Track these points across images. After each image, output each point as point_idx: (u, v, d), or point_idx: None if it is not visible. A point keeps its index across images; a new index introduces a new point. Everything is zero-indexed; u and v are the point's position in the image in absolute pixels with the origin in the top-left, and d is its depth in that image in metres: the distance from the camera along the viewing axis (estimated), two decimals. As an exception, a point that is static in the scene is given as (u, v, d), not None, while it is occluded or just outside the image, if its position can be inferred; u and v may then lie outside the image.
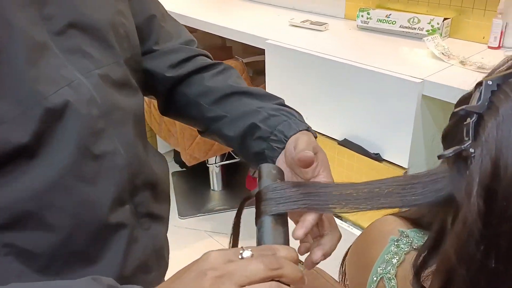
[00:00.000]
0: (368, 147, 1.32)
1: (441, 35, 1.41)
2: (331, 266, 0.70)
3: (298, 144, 0.59)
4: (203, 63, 0.77)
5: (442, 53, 1.31)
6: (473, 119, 0.36)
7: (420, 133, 1.23)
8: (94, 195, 0.58)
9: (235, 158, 2.22)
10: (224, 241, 1.97)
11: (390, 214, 0.60)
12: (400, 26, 1.50)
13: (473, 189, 0.34)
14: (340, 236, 0.56)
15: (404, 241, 0.54)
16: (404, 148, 1.24)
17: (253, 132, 0.68)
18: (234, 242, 0.56)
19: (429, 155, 1.29)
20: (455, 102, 0.42)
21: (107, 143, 0.59)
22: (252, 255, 0.43)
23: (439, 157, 0.39)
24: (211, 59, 0.81)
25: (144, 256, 0.65)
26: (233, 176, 2.33)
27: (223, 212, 2.19)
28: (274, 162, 0.65)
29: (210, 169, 2.28)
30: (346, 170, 1.39)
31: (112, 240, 0.60)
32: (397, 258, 0.53)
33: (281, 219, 0.50)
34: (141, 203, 0.66)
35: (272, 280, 0.41)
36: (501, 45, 1.37)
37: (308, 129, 0.65)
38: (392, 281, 0.53)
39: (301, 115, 0.70)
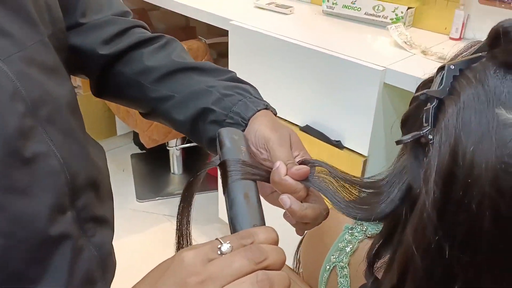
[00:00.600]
0: (330, 134, 1.32)
1: (404, 24, 1.42)
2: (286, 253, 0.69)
3: (270, 143, 0.52)
4: (141, 37, 0.67)
5: (405, 42, 1.31)
6: (433, 104, 0.35)
7: (380, 121, 1.23)
8: (29, 207, 0.49)
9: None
10: (182, 226, 1.94)
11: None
12: (365, 13, 1.49)
13: (430, 177, 0.32)
14: (326, 210, 0.51)
15: (358, 229, 0.53)
16: (365, 136, 1.24)
17: (205, 115, 0.61)
18: (184, 213, 0.51)
19: (389, 144, 1.30)
20: (402, 117, 0.41)
21: (39, 143, 0.50)
22: (231, 248, 0.39)
23: (398, 142, 0.37)
24: (149, 31, 0.71)
25: (90, 267, 0.57)
26: (193, 160, 2.30)
27: (182, 196, 2.15)
28: None
29: (170, 152, 2.23)
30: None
31: (54, 255, 0.52)
32: (350, 246, 0.52)
33: (252, 191, 0.47)
34: (84, 207, 0.57)
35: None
36: (462, 37, 1.39)
37: (267, 106, 0.60)
38: (345, 269, 0.52)
39: (256, 90, 0.64)
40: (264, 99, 0.62)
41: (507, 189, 0.30)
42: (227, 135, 0.50)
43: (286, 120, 1.42)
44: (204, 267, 0.37)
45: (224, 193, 0.47)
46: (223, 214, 1.82)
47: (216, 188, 1.95)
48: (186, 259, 0.37)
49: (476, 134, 0.32)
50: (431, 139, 0.34)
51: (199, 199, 2.14)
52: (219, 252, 0.38)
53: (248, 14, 1.58)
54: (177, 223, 0.51)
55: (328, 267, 0.53)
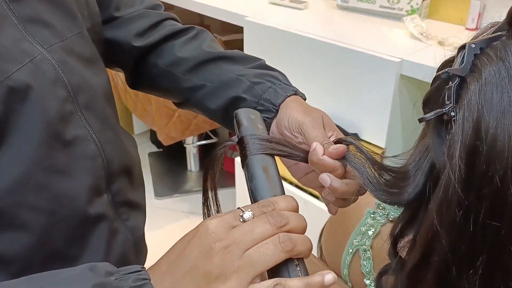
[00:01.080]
0: (347, 126, 1.32)
1: (420, 15, 1.41)
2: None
3: (307, 130, 0.53)
4: (173, 29, 0.70)
5: (421, 34, 1.30)
6: (455, 82, 0.36)
7: (398, 113, 1.23)
8: (70, 187, 0.52)
9: (212, 138, 2.20)
10: (201, 222, 1.96)
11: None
12: (379, 6, 1.49)
13: (455, 152, 0.33)
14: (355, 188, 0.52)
15: (381, 213, 0.53)
16: (382, 127, 1.24)
17: (237, 104, 0.62)
18: (208, 185, 0.53)
19: (406, 135, 1.30)
20: (423, 97, 0.41)
21: (78, 127, 0.53)
22: (253, 215, 0.40)
23: (420, 120, 0.38)
24: (179, 22, 0.74)
25: (124, 249, 0.60)
26: (210, 157, 2.31)
27: (200, 192, 2.17)
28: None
29: (187, 150, 2.25)
30: (323, 150, 1.39)
31: (92, 235, 0.55)
32: (373, 230, 0.53)
33: (271, 165, 0.47)
34: (118, 191, 0.60)
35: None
36: (478, 27, 1.38)
37: (296, 92, 0.61)
38: (368, 252, 0.52)
39: (285, 76, 0.66)
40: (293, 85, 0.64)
41: None
42: (244, 115, 0.51)
43: (302, 115, 1.42)
44: (228, 233, 0.38)
45: (243, 168, 0.48)
46: (241, 210, 1.83)
47: (234, 185, 1.96)
48: (210, 227, 0.39)
49: (498, 109, 0.32)
50: (453, 116, 0.35)
51: (218, 195, 2.16)
52: (241, 220, 0.40)
53: (263, 10, 1.59)
54: (203, 194, 0.53)
55: (351, 250, 0.54)
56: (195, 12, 1.77)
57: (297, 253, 0.39)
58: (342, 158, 0.50)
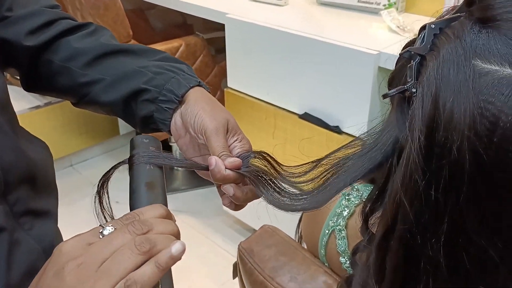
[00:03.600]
0: (328, 120, 1.34)
1: (397, 9, 1.44)
2: (289, 228, 0.72)
3: (208, 132, 0.53)
4: (69, 25, 0.66)
5: (398, 27, 1.33)
6: (416, 60, 0.37)
7: (377, 104, 1.26)
8: None
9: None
10: (189, 220, 1.97)
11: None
12: (358, 1, 1.51)
13: (415, 125, 0.35)
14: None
15: (355, 195, 0.55)
16: (362, 119, 1.26)
17: (138, 95, 0.60)
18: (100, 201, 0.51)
19: (386, 127, 1.32)
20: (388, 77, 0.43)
21: None
22: (114, 230, 0.38)
23: (384, 96, 0.39)
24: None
25: (30, 260, 0.57)
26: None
27: (187, 191, 2.18)
28: (165, 125, 0.59)
29: (173, 148, 2.26)
30: (307, 143, 1.41)
31: None
32: (347, 210, 0.55)
33: (157, 180, 0.47)
34: (17, 201, 0.57)
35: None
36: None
37: (200, 83, 0.60)
38: (343, 232, 0.54)
39: (191, 68, 0.63)
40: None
41: (484, 131, 0.33)
42: (138, 140, 0.51)
43: (285, 109, 1.44)
44: (84, 251, 0.37)
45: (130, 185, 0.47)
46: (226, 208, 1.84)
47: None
48: (63, 249, 0.37)
49: (455, 84, 0.34)
50: (414, 92, 0.37)
51: (204, 193, 2.17)
52: (100, 236, 0.38)
53: (244, 7, 1.60)
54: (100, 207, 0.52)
55: (327, 231, 0.56)
56: (178, 12, 1.78)
57: (157, 253, 0.38)
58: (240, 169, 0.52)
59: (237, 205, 0.55)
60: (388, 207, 0.37)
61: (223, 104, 1.67)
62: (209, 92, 0.60)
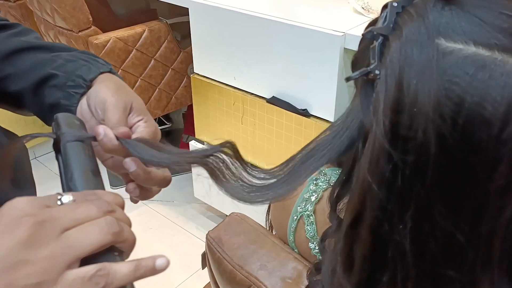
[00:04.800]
0: (296, 103, 1.33)
1: (362, -10, 1.43)
2: (258, 214, 0.71)
3: (107, 112, 0.50)
4: None
5: (363, 8, 1.33)
6: (378, 41, 0.36)
7: (344, 86, 1.25)
8: None
9: (166, 124, 2.17)
10: (161, 208, 1.94)
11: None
12: (323, -18, 1.50)
13: (379, 108, 0.34)
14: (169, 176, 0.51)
15: (322, 179, 0.54)
16: (330, 102, 1.26)
17: (47, 81, 0.57)
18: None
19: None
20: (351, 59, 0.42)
21: None
22: (74, 200, 0.36)
23: (347, 79, 0.38)
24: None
25: None
26: (169, 143, 2.28)
27: (156, 180, 2.15)
28: (72, 112, 0.55)
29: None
30: (275, 127, 1.40)
31: None
32: (315, 195, 0.54)
33: (93, 166, 0.44)
34: None
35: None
36: None
37: (111, 70, 0.58)
38: (311, 217, 0.53)
39: (108, 64, 0.61)
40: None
41: (449, 114, 0.32)
42: (65, 119, 0.47)
43: (252, 94, 1.43)
44: (43, 210, 0.34)
45: (60, 169, 0.44)
46: (198, 194, 1.82)
47: (190, 170, 1.95)
48: (18, 205, 0.33)
49: (418, 64, 0.33)
50: (378, 75, 0.36)
51: (175, 181, 2.13)
52: (59, 203, 0.36)
53: (207, -10, 1.57)
54: None
55: (295, 217, 0.55)
56: (139, -5, 1.73)
57: (123, 239, 0.36)
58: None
59: (142, 190, 0.51)
60: (355, 193, 0.37)
61: (191, 90, 1.64)
62: (122, 80, 0.58)
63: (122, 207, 0.39)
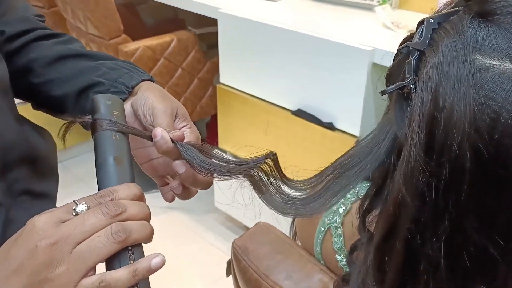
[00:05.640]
0: (321, 116, 1.34)
1: (391, 5, 1.43)
2: (282, 224, 0.71)
3: (157, 116, 0.53)
4: (43, 33, 0.68)
5: (392, 23, 1.33)
6: (414, 56, 0.37)
7: (371, 101, 1.25)
8: None
9: (190, 133, 2.19)
10: (180, 217, 1.96)
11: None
12: (351, -3, 1.51)
13: (415, 122, 0.34)
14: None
15: (351, 192, 0.55)
16: (356, 116, 1.26)
17: (90, 87, 0.61)
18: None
19: (379, 123, 1.32)
20: (386, 72, 0.42)
21: None
22: (87, 207, 0.39)
23: (382, 92, 0.39)
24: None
25: None
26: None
27: (178, 188, 2.16)
28: None
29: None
30: (300, 140, 1.40)
31: None
32: (343, 207, 0.54)
33: (124, 154, 0.45)
34: (16, 180, 0.58)
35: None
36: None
37: (151, 78, 0.61)
38: (339, 229, 0.53)
39: (145, 71, 0.64)
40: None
41: (485, 128, 0.32)
42: (101, 100, 0.49)
43: (278, 106, 1.43)
44: (56, 229, 0.37)
45: (95, 156, 0.46)
46: (219, 204, 1.83)
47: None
48: (37, 224, 0.37)
49: (455, 79, 0.34)
50: (413, 89, 0.36)
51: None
52: (73, 214, 0.38)
53: (237, 2, 1.59)
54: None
55: (322, 229, 0.55)
56: (169, 6, 1.76)
57: (132, 242, 0.38)
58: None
59: (184, 189, 0.53)
60: (389, 206, 0.37)
61: (215, 100, 1.65)
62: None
63: (139, 198, 0.41)
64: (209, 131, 2.20)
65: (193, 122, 0.59)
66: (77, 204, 0.39)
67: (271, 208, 0.40)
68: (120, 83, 0.59)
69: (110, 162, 0.43)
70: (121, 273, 0.38)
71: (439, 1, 1.40)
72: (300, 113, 1.38)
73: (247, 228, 1.87)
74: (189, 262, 1.77)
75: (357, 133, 1.28)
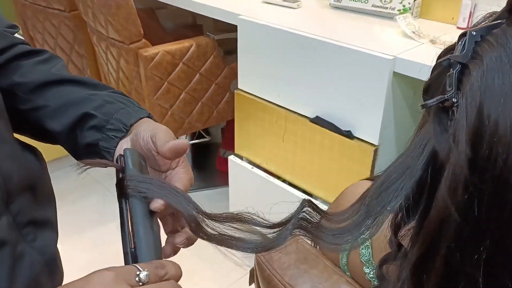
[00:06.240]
0: (340, 124, 1.33)
1: (412, 14, 1.42)
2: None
3: (158, 134, 0.53)
4: (23, 49, 0.64)
5: (413, 32, 1.32)
6: (456, 69, 0.36)
7: (390, 110, 1.24)
8: None
9: (205, 138, 2.20)
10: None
11: (364, 179, 0.59)
12: (372, 5, 1.50)
13: (460, 137, 0.33)
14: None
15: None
16: (375, 125, 1.25)
17: (85, 121, 0.59)
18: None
19: (399, 133, 1.31)
20: (425, 80, 0.42)
21: None
22: (148, 276, 0.41)
23: (423, 106, 0.38)
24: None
25: (33, 273, 0.54)
26: (203, 156, 2.31)
27: (193, 192, 2.17)
28: (109, 154, 0.58)
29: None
30: (318, 147, 1.40)
31: None
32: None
33: (155, 222, 0.48)
34: (20, 211, 0.55)
35: None
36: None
37: (149, 116, 0.60)
38: (367, 241, 0.53)
39: (140, 106, 0.63)
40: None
41: None
42: (133, 155, 0.50)
43: (296, 113, 1.43)
44: None
45: (122, 218, 0.48)
46: (234, 209, 1.83)
47: (226, 184, 1.97)
48: (106, 278, 0.38)
49: (500, 94, 0.33)
50: (455, 102, 0.35)
51: (210, 194, 2.16)
52: (137, 279, 0.40)
53: (256, 9, 1.59)
54: None
55: (350, 240, 0.54)
56: (188, 12, 1.77)
57: None
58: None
59: (189, 240, 0.55)
60: (430, 223, 0.36)
61: (232, 105, 1.65)
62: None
63: (179, 278, 0.44)
64: (224, 136, 2.21)
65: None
66: (140, 270, 0.41)
67: (328, 250, 0.40)
68: (117, 119, 0.58)
69: (146, 224, 0.46)
70: None
71: (460, 11, 1.39)
72: (318, 121, 1.37)
73: (261, 234, 1.86)
74: (204, 266, 1.77)
75: (375, 142, 1.27)
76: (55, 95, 0.61)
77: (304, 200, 0.45)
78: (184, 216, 0.48)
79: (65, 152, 0.63)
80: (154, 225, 0.48)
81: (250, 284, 0.70)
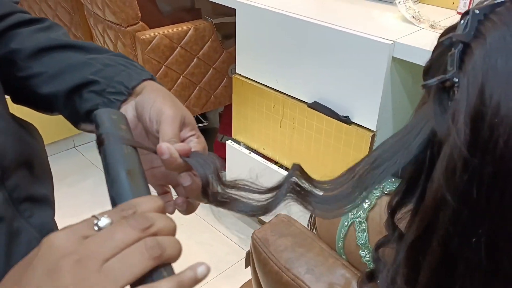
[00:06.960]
0: (338, 109, 1.32)
1: (412, -1, 1.41)
2: (302, 218, 0.70)
3: (163, 125, 0.49)
4: (22, 18, 0.62)
5: (413, 17, 1.30)
6: (458, 48, 0.35)
7: (388, 95, 1.23)
8: None
9: (203, 122, 2.19)
10: (190, 206, 1.96)
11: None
12: (372, -11, 1.48)
13: (459, 117, 0.33)
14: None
15: (376, 187, 0.53)
16: (373, 110, 1.24)
17: (84, 87, 0.56)
18: None
19: (397, 118, 1.30)
20: (424, 65, 0.41)
21: None
22: (110, 222, 0.34)
23: (423, 86, 0.37)
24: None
25: (30, 250, 0.53)
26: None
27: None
28: None
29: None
30: (315, 133, 1.39)
31: None
32: (368, 202, 0.53)
33: (136, 166, 0.42)
34: (16, 186, 0.53)
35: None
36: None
37: (152, 77, 0.56)
38: (363, 224, 0.52)
39: (143, 67, 0.59)
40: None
41: None
42: (105, 115, 0.45)
43: (294, 98, 1.42)
44: (80, 245, 0.33)
45: (105, 171, 0.42)
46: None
47: (224, 169, 1.96)
48: (57, 241, 0.33)
49: (502, 74, 0.32)
50: (456, 82, 0.35)
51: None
52: (96, 228, 0.34)
53: (255, -8, 1.57)
54: None
55: (346, 223, 0.54)
56: (186, -6, 1.75)
57: (166, 259, 0.34)
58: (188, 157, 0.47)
59: (189, 206, 0.51)
60: (427, 205, 0.36)
61: (230, 90, 1.64)
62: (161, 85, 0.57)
63: (162, 211, 0.37)
64: (222, 121, 2.20)
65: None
66: (98, 219, 0.34)
67: (319, 216, 0.40)
68: (118, 82, 0.54)
69: (123, 176, 0.40)
70: (165, 285, 0.33)
71: (461, -4, 1.37)
72: (316, 106, 1.36)
73: (258, 219, 1.86)
74: (198, 250, 1.77)
75: (373, 128, 1.26)
76: (53, 60, 0.58)
77: (294, 164, 0.44)
78: (199, 171, 0.45)
79: (62, 135, 0.61)
80: (133, 164, 0.42)
81: (246, 267, 0.69)
